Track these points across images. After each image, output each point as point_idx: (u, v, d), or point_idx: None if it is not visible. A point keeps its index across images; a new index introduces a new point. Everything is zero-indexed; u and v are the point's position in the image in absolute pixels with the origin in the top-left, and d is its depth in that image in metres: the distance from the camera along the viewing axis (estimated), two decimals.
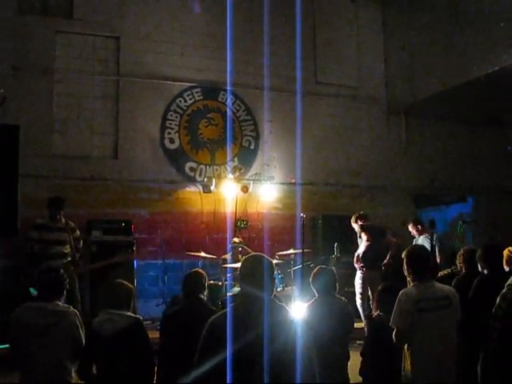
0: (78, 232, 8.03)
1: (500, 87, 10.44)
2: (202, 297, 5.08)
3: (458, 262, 6.03)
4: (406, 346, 4.35)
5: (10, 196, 6.29)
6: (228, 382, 2.80)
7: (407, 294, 4.35)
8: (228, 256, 9.20)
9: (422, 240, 9.47)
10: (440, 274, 7.72)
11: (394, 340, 4.33)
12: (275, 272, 3.25)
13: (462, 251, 6.08)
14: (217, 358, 2.85)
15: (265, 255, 3.24)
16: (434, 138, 12.95)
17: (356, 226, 9.19)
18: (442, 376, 4.22)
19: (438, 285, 4.49)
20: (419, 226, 9.62)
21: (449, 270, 7.81)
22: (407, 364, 4.32)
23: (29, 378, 4.37)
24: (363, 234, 8.86)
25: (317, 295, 5.26)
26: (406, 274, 4.54)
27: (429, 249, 9.00)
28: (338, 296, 5.31)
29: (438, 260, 8.99)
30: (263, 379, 2.79)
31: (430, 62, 11.43)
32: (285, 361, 2.89)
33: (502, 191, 13.12)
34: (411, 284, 4.46)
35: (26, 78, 9.85)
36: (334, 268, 5.64)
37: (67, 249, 7.70)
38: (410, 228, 9.75)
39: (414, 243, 9.54)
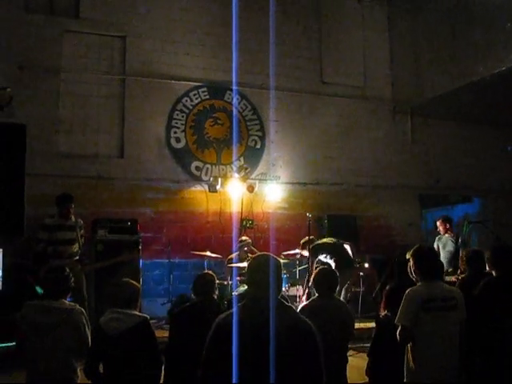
0: (83, 229, 8.02)
1: (507, 87, 10.42)
2: (214, 296, 5.11)
3: (460, 263, 6.02)
4: (409, 345, 4.34)
5: (16, 195, 6.32)
6: (234, 382, 2.80)
7: (414, 292, 4.34)
8: (234, 256, 9.19)
9: (446, 239, 9.59)
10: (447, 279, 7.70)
11: (398, 338, 4.32)
12: (282, 272, 3.23)
13: (464, 252, 6.07)
14: (223, 358, 2.85)
15: (272, 255, 3.23)
16: (440, 137, 12.93)
17: (306, 253, 9.13)
18: (444, 376, 4.21)
19: (445, 285, 4.48)
20: (447, 225, 9.77)
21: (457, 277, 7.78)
22: (410, 363, 4.32)
23: (35, 376, 4.38)
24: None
25: (316, 295, 5.24)
26: (412, 273, 4.52)
27: (452, 249, 9.19)
28: (337, 297, 5.28)
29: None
30: (270, 379, 2.78)
31: (436, 61, 11.41)
32: (292, 361, 2.88)
33: (507, 191, 13.09)
34: (418, 283, 4.45)
35: (32, 77, 9.87)
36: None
37: (76, 248, 7.69)
38: (439, 224, 9.93)
39: (437, 239, 9.68)
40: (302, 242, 9.28)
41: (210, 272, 5.31)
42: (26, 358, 4.47)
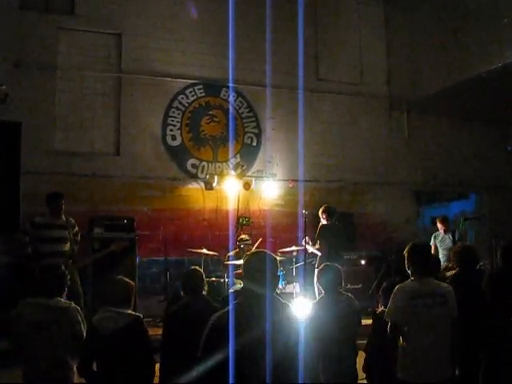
0: (76, 228, 7.93)
1: (502, 84, 10.41)
2: (204, 293, 5.07)
3: (451, 259, 6.04)
4: (401, 340, 4.36)
5: (11, 193, 6.30)
6: (230, 381, 2.78)
7: (403, 289, 4.37)
8: (231, 253, 9.18)
9: (444, 237, 9.93)
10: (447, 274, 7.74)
11: (388, 333, 4.37)
12: (279, 269, 3.21)
13: (455, 248, 6.10)
14: (219, 356, 2.83)
15: (268, 252, 3.22)
16: (436, 134, 12.93)
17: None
18: (433, 372, 4.22)
19: (436, 282, 4.49)
20: (446, 224, 10.06)
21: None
22: (401, 358, 4.34)
23: (31, 375, 4.37)
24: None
25: (323, 292, 5.26)
26: (407, 269, 4.54)
27: (451, 245, 9.31)
28: (345, 292, 5.31)
29: None
30: (266, 378, 2.76)
31: (433, 58, 11.40)
32: (287, 359, 2.87)
33: (504, 188, 13.10)
34: (409, 279, 4.46)
35: (27, 74, 9.82)
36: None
37: (67, 246, 7.63)
38: (439, 224, 10.14)
39: (433, 237, 9.98)
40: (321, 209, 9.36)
41: (197, 268, 5.23)
42: (21, 357, 4.46)
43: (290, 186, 10.86)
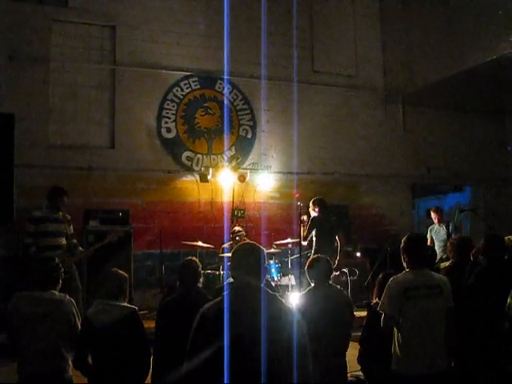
0: (72, 229, 7.89)
1: (498, 76, 10.42)
2: (199, 285, 5.05)
3: (448, 250, 6.07)
4: (395, 332, 4.36)
5: (5, 185, 6.24)
6: (225, 371, 2.77)
7: (397, 280, 4.37)
8: (226, 245, 9.18)
9: (439, 228, 9.83)
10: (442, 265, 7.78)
11: (382, 325, 4.37)
12: (266, 261, 3.19)
13: (451, 240, 6.13)
14: (209, 349, 2.82)
15: (256, 243, 3.22)
16: (432, 126, 12.93)
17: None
18: (429, 363, 4.23)
19: (431, 273, 4.50)
20: (440, 214, 9.93)
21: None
22: (396, 349, 4.34)
23: (27, 367, 4.36)
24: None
25: (312, 284, 5.25)
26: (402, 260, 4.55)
27: (445, 237, 9.26)
28: (334, 284, 5.29)
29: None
30: (258, 369, 2.76)
31: (428, 50, 11.41)
32: (279, 351, 2.86)
33: (499, 180, 13.13)
34: (404, 271, 4.47)
35: (21, 67, 9.78)
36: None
37: (64, 240, 7.63)
38: (433, 214, 10.01)
39: (429, 230, 9.87)
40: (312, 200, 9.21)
41: (194, 259, 5.21)
42: (17, 350, 4.45)
43: (297, 196, 10.72)
